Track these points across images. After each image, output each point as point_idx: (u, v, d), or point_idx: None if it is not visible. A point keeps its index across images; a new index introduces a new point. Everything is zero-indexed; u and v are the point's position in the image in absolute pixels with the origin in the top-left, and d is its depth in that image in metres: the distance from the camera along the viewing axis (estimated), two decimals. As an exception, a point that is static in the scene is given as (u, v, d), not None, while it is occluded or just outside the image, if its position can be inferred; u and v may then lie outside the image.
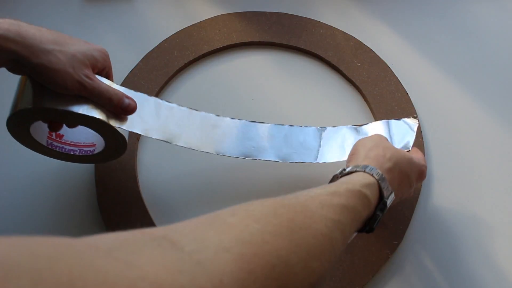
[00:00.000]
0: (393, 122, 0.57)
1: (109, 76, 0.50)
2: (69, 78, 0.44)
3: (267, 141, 0.56)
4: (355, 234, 0.44)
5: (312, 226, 0.33)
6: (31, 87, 0.45)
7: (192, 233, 0.28)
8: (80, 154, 0.53)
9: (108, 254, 0.23)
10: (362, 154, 0.46)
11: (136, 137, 0.60)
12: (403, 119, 0.57)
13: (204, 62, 0.67)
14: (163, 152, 0.60)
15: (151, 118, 0.51)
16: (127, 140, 0.51)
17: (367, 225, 0.41)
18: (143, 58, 0.65)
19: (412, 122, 0.57)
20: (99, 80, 0.46)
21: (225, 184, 0.58)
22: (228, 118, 0.55)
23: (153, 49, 0.66)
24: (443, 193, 0.57)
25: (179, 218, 0.48)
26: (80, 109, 0.45)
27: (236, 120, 0.56)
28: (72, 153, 0.53)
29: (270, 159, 0.55)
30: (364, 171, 0.43)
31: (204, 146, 0.52)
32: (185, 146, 0.52)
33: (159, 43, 0.66)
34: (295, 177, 0.58)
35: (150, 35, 0.68)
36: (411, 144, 0.54)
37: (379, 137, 0.49)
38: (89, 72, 0.45)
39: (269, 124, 0.57)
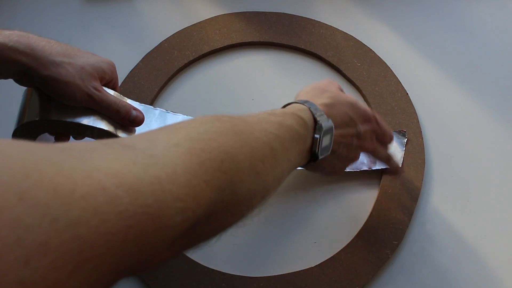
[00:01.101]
0: None
1: (115, 88, 0.50)
2: (78, 90, 0.44)
3: None
4: (308, 164, 0.46)
5: (254, 133, 0.36)
6: (38, 99, 0.45)
7: (143, 136, 0.30)
8: None
9: (62, 151, 0.23)
10: (300, 95, 0.49)
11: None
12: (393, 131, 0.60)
13: (204, 62, 0.67)
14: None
15: None
16: None
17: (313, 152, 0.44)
18: (143, 58, 0.65)
19: (402, 137, 0.59)
20: (107, 92, 0.47)
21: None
22: None
23: (153, 49, 0.66)
24: (443, 193, 0.57)
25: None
26: (88, 121, 0.46)
27: None
28: None
29: None
30: (297, 102, 0.45)
31: None
32: None
33: (159, 43, 0.66)
34: (295, 177, 0.58)
35: (150, 35, 0.68)
36: (400, 161, 0.58)
37: (324, 82, 0.51)
38: (97, 84, 0.46)
39: None
